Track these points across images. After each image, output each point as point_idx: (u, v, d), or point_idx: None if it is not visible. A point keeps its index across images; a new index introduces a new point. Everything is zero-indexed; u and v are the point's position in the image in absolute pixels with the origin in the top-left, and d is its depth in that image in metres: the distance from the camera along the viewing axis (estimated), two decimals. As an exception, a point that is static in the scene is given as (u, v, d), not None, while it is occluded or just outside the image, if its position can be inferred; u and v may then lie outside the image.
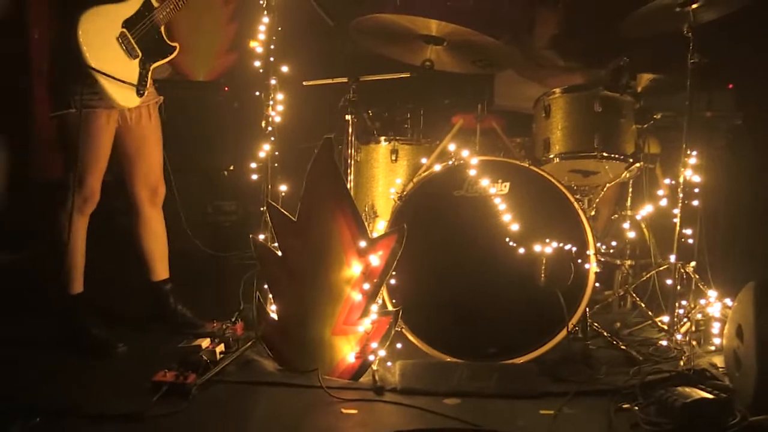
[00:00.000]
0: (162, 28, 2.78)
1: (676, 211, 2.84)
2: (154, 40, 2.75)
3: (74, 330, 2.78)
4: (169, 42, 2.83)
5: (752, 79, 4.26)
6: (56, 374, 2.52)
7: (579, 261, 2.59)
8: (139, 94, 2.71)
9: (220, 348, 2.63)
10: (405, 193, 2.76)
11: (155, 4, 2.76)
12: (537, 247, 2.58)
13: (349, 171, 3.06)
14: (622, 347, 2.76)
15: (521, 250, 2.60)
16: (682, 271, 2.95)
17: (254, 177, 2.93)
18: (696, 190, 2.97)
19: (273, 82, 2.87)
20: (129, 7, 2.67)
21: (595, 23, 3.83)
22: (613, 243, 3.33)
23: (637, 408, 2.21)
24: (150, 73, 2.76)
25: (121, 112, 2.75)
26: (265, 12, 2.87)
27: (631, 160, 2.95)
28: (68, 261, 2.73)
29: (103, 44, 2.57)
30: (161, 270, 3.02)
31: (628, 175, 3.11)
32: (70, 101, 2.59)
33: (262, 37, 2.90)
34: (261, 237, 2.72)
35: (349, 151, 3.08)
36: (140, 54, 2.69)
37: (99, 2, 2.57)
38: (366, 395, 2.38)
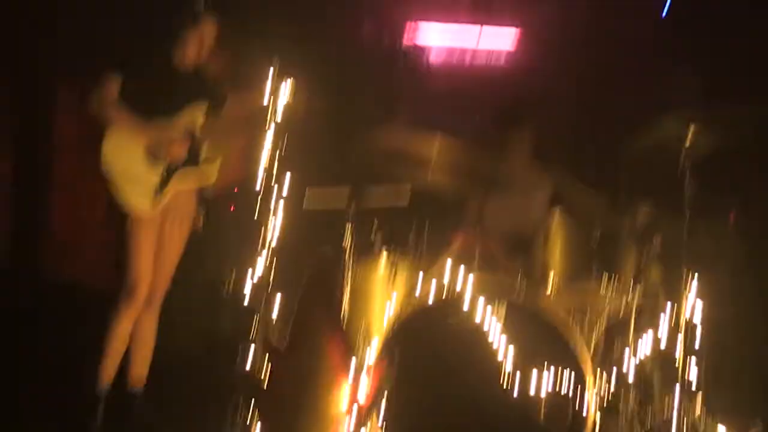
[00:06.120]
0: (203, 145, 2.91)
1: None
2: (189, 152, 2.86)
3: None
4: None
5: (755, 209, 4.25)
6: None
7: (576, 405, 2.48)
8: (154, 200, 2.77)
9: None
10: (400, 317, 2.71)
11: None
12: (532, 384, 2.49)
13: (345, 285, 3.01)
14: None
15: (516, 389, 2.51)
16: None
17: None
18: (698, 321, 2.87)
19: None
20: None
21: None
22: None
23: None
24: (170, 179, 2.81)
25: (161, 215, 2.84)
26: (272, 125, 2.89)
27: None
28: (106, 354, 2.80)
29: (126, 151, 2.74)
30: (135, 376, 2.90)
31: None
32: None
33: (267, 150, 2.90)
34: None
35: (346, 263, 3.03)
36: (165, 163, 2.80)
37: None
38: None
